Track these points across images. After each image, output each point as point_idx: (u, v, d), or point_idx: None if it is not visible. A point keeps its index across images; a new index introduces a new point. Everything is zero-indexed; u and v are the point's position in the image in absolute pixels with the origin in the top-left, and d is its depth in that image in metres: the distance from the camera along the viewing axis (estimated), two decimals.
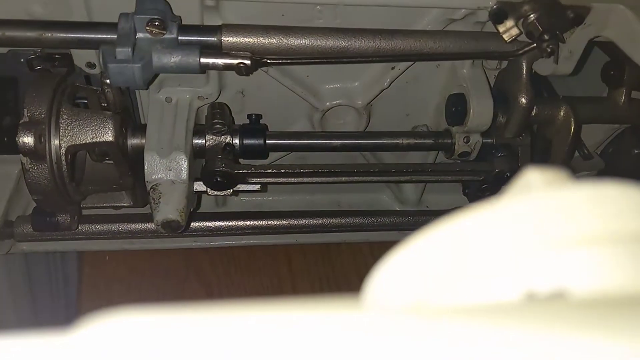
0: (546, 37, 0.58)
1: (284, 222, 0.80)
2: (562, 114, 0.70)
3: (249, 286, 0.89)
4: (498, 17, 0.59)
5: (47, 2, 0.58)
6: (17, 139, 0.55)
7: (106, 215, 0.76)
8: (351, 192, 0.87)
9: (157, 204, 0.61)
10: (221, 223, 0.78)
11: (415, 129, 0.79)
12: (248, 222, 0.79)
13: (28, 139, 0.55)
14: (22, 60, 0.62)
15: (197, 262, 0.90)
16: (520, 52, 0.62)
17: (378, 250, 0.95)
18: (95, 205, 0.76)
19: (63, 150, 0.59)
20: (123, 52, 0.54)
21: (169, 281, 0.87)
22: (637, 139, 0.82)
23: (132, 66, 0.54)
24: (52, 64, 0.63)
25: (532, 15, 0.59)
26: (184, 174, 0.62)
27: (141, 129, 0.65)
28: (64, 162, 0.60)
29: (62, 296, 0.85)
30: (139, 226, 0.76)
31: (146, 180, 0.62)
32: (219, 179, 0.64)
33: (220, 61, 0.58)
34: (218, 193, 0.66)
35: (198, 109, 0.68)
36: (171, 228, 0.61)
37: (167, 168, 0.62)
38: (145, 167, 0.61)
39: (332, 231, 0.82)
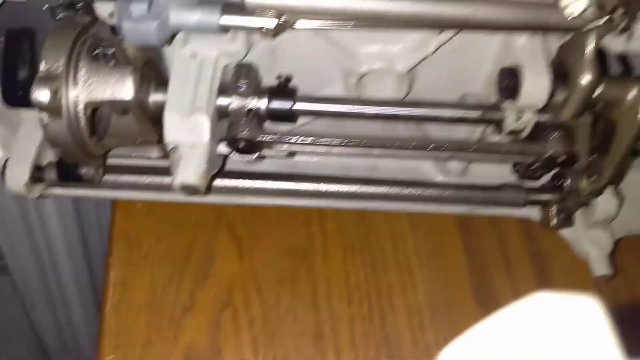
0: (620, 11, 0.49)
1: (316, 186, 0.76)
2: (631, 96, 0.61)
3: (279, 244, 0.88)
4: None
5: None
6: (31, 94, 0.53)
7: (135, 166, 0.75)
8: (390, 157, 0.82)
9: (176, 167, 0.59)
10: (251, 183, 0.76)
11: (463, 97, 0.73)
12: (278, 185, 0.76)
13: (43, 95, 0.53)
14: (44, 8, 0.60)
15: (229, 216, 0.88)
16: (587, 28, 0.53)
17: (416, 220, 0.91)
18: (124, 154, 0.75)
19: (81, 106, 0.57)
20: (139, 7, 0.51)
21: (198, 233, 0.87)
22: None
23: (147, 24, 0.51)
24: (76, 12, 0.61)
25: None
26: (205, 137, 0.59)
27: (165, 85, 0.62)
28: (82, 118, 0.58)
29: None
30: (167, 180, 0.74)
31: (165, 141, 0.59)
32: (241, 145, 0.61)
33: (242, 23, 0.53)
34: (242, 158, 0.63)
35: (225, 67, 0.64)
36: (190, 192, 0.59)
37: (188, 129, 0.59)
38: (165, 128, 0.59)
39: (367, 199, 0.78)
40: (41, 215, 0.90)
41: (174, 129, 0.59)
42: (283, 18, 0.54)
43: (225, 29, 0.54)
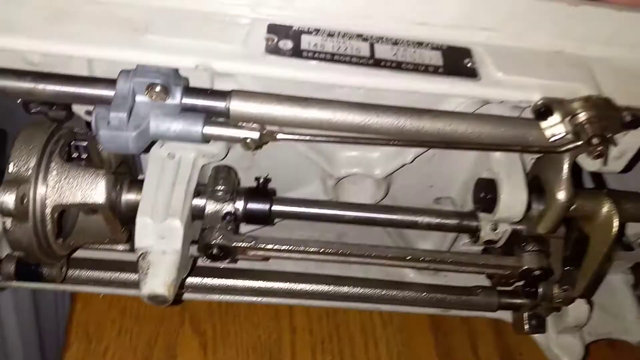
0: (595, 141, 0.51)
1: (287, 285, 0.74)
2: (604, 211, 0.62)
3: (245, 339, 0.84)
4: (542, 114, 0.52)
5: (47, 51, 0.53)
6: None
7: (99, 261, 0.72)
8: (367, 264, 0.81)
9: (144, 274, 0.56)
10: (219, 282, 0.73)
11: (438, 200, 0.73)
12: (248, 283, 0.74)
13: (9, 200, 0.51)
14: (17, 101, 0.58)
15: (194, 310, 0.85)
16: (564, 149, 0.54)
17: (388, 315, 0.89)
18: (89, 247, 0.72)
19: (49, 210, 0.55)
20: (117, 117, 0.49)
21: (162, 327, 0.83)
22: None
23: (125, 134, 0.49)
24: (50, 107, 0.59)
25: (581, 115, 0.51)
26: (178, 244, 0.56)
27: (138, 185, 0.60)
28: (49, 222, 0.55)
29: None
30: (133, 277, 0.71)
31: (135, 246, 0.56)
32: (215, 252, 0.59)
33: (226, 133, 0.53)
34: (215, 263, 0.61)
35: (202, 167, 0.62)
36: (157, 302, 0.56)
37: (160, 236, 0.56)
38: (136, 233, 0.56)
39: (339, 300, 0.76)
40: None
41: (145, 235, 0.56)
42: (266, 129, 0.53)
43: (208, 139, 0.53)
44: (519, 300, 0.76)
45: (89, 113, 0.59)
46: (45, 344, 0.82)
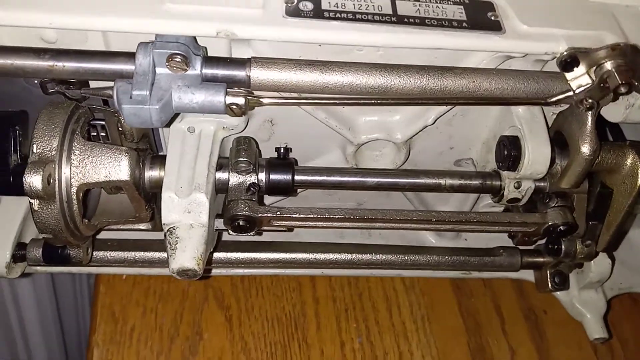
0: (623, 89, 0.50)
1: (309, 255, 0.74)
2: (628, 162, 0.62)
3: (270, 312, 0.85)
4: (568, 65, 0.51)
5: (62, 27, 0.52)
6: (24, 180, 0.50)
7: (123, 241, 0.72)
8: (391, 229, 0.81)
9: (173, 249, 0.56)
10: (243, 255, 0.73)
11: (459, 162, 0.72)
12: (271, 255, 0.74)
13: (36, 181, 0.50)
14: (35, 81, 0.57)
15: (217, 285, 0.85)
16: (590, 100, 0.54)
17: (409, 280, 0.89)
18: (112, 227, 0.72)
19: (74, 189, 0.54)
20: (140, 94, 0.49)
21: (186, 305, 0.83)
22: None
23: (149, 108, 0.49)
24: (68, 86, 0.58)
25: (608, 63, 0.51)
26: (204, 218, 0.56)
27: (160, 160, 0.60)
28: (74, 202, 0.55)
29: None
30: (157, 255, 0.71)
31: (162, 222, 0.56)
32: (241, 223, 0.59)
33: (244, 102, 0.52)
34: (240, 235, 0.61)
35: (223, 139, 0.62)
36: (187, 276, 0.56)
37: (186, 210, 0.56)
38: (162, 208, 0.56)
39: (362, 267, 0.76)
40: (15, 291, 0.85)
41: (171, 210, 0.56)
42: (285, 96, 0.53)
43: (228, 109, 0.52)
44: (541, 259, 0.76)
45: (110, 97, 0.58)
46: (65, 328, 0.83)
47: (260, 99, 0.52)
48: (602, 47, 0.51)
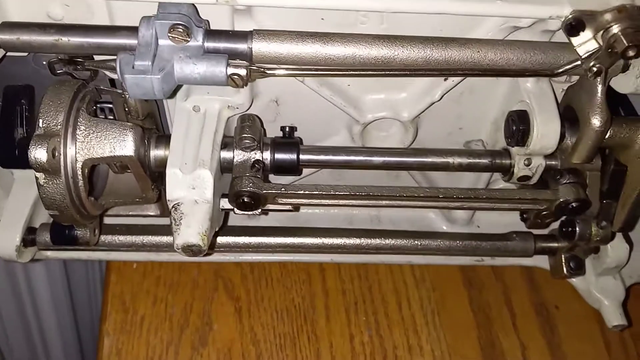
0: (631, 52, 0.49)
1: (318, 240, 0.74)
2: None
3: (279, 303, 0.84)
4: (574, 29, 0.50)
5: (68, 3, 0.53)
6: (29, 153, 0.50)
7: (131, 225, 0.72)
8: (398, 208, 0.80)
9: (178, 225, 0.56)
10: (251, 239, 0.73)
11: (468, 143, 0.72)
12: (280, 240, 0.73)
13: (41, 154, 0.51)
14: (44, 62, 0.58)
15: (227, 275, 0.85)
16: (598, 66, 0.53)
17: (419, 271, 0.88)
18: (120, 213, 0.72)
19: (79, 165, 0.55)
20: (142, 65, 0.49)
21: (196, 295, 0.83)
22: None
23: (150, 78, 0.49)
24: (75, 67, 0.59)
25: (614, 27, 0.50)
26: (209, 194, 0.56)
27: (166, 140, 0.60)
28: (80, 177, 0.55)
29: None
30: (165, 239, 0.71)
31: (167, 198, 0.56)
32: (245, 200, 0.59)
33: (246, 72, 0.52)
34: (245, 213, 0.61)
35: (228, 119, 0.62)
36: (192, 252, 0.56)
37: (191, 186, 0.56)
38: (167, 185, 0.56)
39: (371, 252, 0.75)
40: (29, 278, 0.85)
41: (176, 186, 0.56)
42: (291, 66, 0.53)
43: (230, 80, 0.52)
44: (555, 244, 0.75)
45: (113, 69, 0.59)
46: (79, 316, 0.83)
47: (264, 70, 0.52)
48: (608, 9, 0.50)
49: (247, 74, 0.52)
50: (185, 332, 0.80)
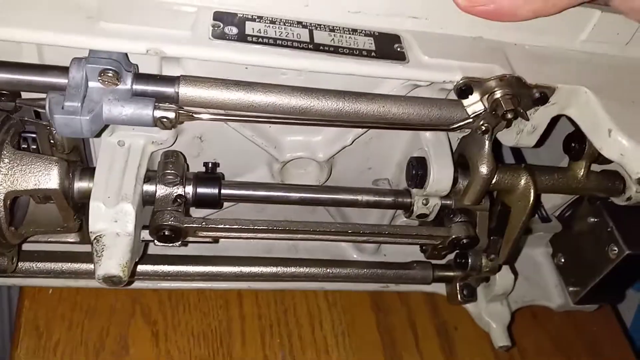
0: (509, 115, 0.58)
1: (236, 269, 0.77)
2: (522, 183, 0.69)
3: (196, 328, 0.87)
4: (464, 92, 0.58)
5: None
6: None
7: (50, 252, 0.73)
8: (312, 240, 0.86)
9: (99, 256, 0.58)
10: (170, 268, 0.76)
11: (376, 182, 0.78)
12: (199, 268, 0.77)
13: None
14: None
15: (145, 300, 0.86)
16: (483, 123, 0.61)
17: (332, 297, 0.94)
18: (39, 240, 0.73)
19: (1, 197, 0.56)
20: (72, 106, 0.52)
21: (113, 319, 0.84)
22: (593, 207, 0.82)
23: (80, 119, 0.52)
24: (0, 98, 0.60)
25: (497, 92, 0.58)
26: (130, 227, 0.59)
27: (90, 172, 0.62)
28: (1, 209, 0.56)
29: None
30: (84, 266, 0.73)
31: (89, 230, 0.59)
32: (166, 233, 0.62)
33: (174, 115, 0.56)
34: (166, 245, 0.64)
35: (152, 153, 0.65)
36: (113, 282, 0.59)
37: (113, 219, 0.59)
38: (90, 217, 0.58)
39: (287, 280, 0.80)
40: None
41: (99, 219, 0.58)
42: (213, 111, 0.57)
43: (159, 122, 0.56)
44: (451, 273, 0.83)
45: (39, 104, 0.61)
46: None
47: (192, 113, 0.56)
48: (492, 77, 0.58)
49: (175, 117, 0.56)
50: (100, 356, 0.81)
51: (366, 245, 0.87)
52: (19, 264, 0.69)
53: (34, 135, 0.65)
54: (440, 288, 0.89)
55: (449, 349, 0.94)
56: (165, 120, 0.55)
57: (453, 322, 0.96)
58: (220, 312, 0.89)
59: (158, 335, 0.84)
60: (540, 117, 0.63)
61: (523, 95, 0.59)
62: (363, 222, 0.81)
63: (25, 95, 0.59)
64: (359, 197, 0.70)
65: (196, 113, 0.57)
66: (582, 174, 0.72)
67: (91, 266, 0.71)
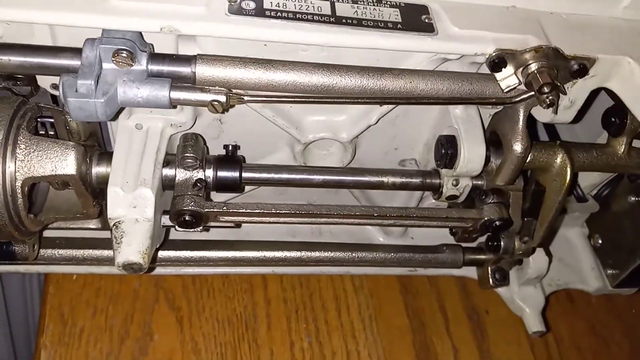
0: (546, 89, 0.54)
1: (260, 254, 0.76)
2: (558, 162, 0.66)
3: (221, 313, 0.85)
4: (496, 65, 0.55)
5: (9, 22, 0.53)
6: None
7: (71, 239, 0.72)
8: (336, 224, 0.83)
9: (118, 243, 0.57)
10: (193, 253, 0.74)
11: (402, 162, 0.75)
12: (222, 254, 0.75)
13: None
14: None
15: (169, 286, 0.85)
16: (518, 99, 0.57)
17: (358, 280, 0.91)
18: (60, 226, 0.72)
19: (19, 183, 0.55)
20: (85, 85, 0.50)
21: (137, 306, 0.83)
22: (634, 186, 0.78)
23: (94, 101, 0.50)
24: (15, 82, 0.59)
25: (532, 65, 0.54)
26: (150, 213, 0.57)
27: (108, 157, 0.60)
28: (19, 195, 0.55)
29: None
30: (106, 253, 0.72)
31: (108, 216, 0.57)
32: (187, 218, 0.60)
33: (193, 97, 0.53)
34: (187, 230, 0.62)
35: (171, 136, 0.63)
36: (133, 270, 0.57)
37: (131, 205, 0.57)
38: (108, 203, 0.57)
39: (311, 265, 0.78)
40: None
41: (117, 205, 0.57)
42: (233, 92, 0.55)
43: (175, 104, 0.53)
44: (483, 256, 0.80)
45: (55, 87, 0.59)
46: (14, 330, 0.81)
47: (241, 96, 0.54)
48: (527, 49, 0.54)
49: (226, 100, 0.53)
50: (125, 343, 0.80)
51: (392, 228, 0.84)
52: (41, 251, 0.68)
53: (52, 120, 0.64)
54: (470, 272, 0.86)
55: (480, 334, 0.91)
56: (216, 103, 0.53)
57: (484, 305, 0.93)
58: (245, 297, 0.87)
59: (182, 321, 0.83)
60: (578, 90, 0.59)
61: (560, 68, 0.55)
62: (389, 204, 0.80)
63: (40, 79, 0.57)
64: (385, 179, 0.67)
65: (245, 96, 0.55)
66: (622, 150, 0.68)
67: (112, 252, 0.70)
